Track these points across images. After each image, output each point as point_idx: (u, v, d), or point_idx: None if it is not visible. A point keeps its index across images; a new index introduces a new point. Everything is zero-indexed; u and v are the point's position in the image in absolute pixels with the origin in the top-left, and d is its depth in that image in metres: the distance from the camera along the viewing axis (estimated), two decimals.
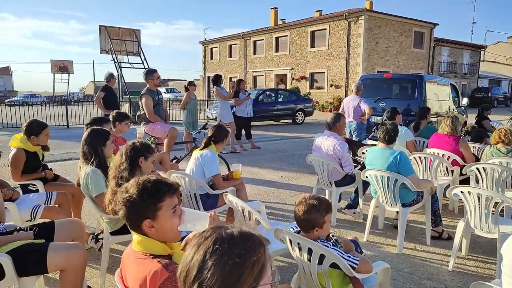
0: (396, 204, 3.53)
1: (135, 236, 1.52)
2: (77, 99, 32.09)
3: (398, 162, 3.45)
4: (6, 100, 28.13)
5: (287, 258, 3.19)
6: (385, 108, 7.04)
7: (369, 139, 6.29)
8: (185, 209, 1.61)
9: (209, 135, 3.69)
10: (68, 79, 37.51)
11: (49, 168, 3.86)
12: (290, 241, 2.14)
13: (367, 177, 3.67)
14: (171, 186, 1.54)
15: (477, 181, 3.98)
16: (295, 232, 2.15)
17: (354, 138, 6.57)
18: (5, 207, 3.01)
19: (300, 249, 2.08)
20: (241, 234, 0.96)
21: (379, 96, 8.22)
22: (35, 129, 3.57)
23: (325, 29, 24.96)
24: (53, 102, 25.42)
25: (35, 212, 3.12)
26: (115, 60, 18.53)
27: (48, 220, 2.76)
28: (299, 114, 15.82)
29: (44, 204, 3.27)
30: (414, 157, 4.41)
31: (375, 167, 3.59)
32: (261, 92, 15.62)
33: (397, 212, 3.66)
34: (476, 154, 4.88)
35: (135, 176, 2.42)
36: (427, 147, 4.92)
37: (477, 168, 3.89)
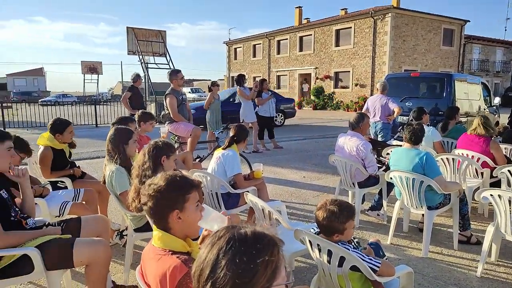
0: (421, 206, 3.43)
1: (155, 232, 1.56)
2: (105, 99, 33.11)
3: (424, 163, 3.35)
4: (40, 100, 29.31)
5: (308, 259, 3.16)
6: (411, 107, 6.86)
7: (395, 139, 6.15)
8: (204, 206, 1.65)
9: (231, 135, 3.71)
10: (98, 79, 38.84)
11: (77, 166, 3.99)
12: (310, 242, 2.12)
13: (391, 178, 3.59)
14: (195, 181, 1.63)
15: (508, 184, 3.81)
16: (315, 233, 2.13)
17: (379, 139, 6.44)
18: (36, 203, 3.14)
19: (320, 250, 2.06)
20: (254, 234, 0.96)
21: (405, 96, 8.02)
22: (59, 127, 3.69)
23: (350, 27, 24.58)
24: (83, 102, 26.28)
25: (64, 208, 3.23)
26: (142, 61, 18.94)
27: (75, 216, 2.85)
28: (278, 115, 14.39)
29: (72, 201, 3.39)
30: (442, 159, 4.27)
31: (399, 168, 3.51)
32: (233, 91, 13.52)
33: (423, 214, 3.56)
34: (508, 156, 4.67)
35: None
36: (455, 148, 4.75)
37: (508, 171, 3.72)
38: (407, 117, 6.40)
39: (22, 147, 3.43)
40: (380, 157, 5.00)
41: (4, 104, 14.56)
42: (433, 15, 24.35)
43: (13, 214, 2.24)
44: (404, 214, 3.90)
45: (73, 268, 2.60)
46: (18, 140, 3.36)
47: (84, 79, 38.73)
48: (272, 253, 0.93)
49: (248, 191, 3.18)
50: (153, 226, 1.59)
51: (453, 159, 4.21)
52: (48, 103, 26.78)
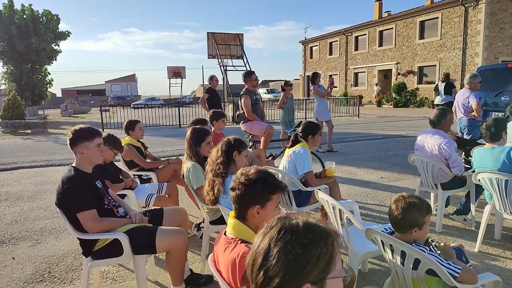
0: None
1: (230, 220, 1.65)
2: (188, 101, 35.31)
3: None
4: (132, 104, 32.31)
5: (382, 261, 3.03)
6: (508, 102, 6.13)
7: None
8: None
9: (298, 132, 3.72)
10: (181, 83, 41.68)
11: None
12: (382, 242, 2.03)
13: (479, 180, 3.26)
14: (282, 184, 1.69)
15: None
16: (387, 233, 2.04)
17: (465, 136, 5.87)
18: (125, 194, 3.51)
19: (392, 251, 1.97)
20: (306, 224, 0.96)
21: (501, 89, 7.18)
22: (131, 124, 4.31)
23: (437, 17, 22.72)
24: (169, 105, 28.32)
25: (149, 200, 3.56)
26: (221, 64, 19.79)
27: (158, 207, 3.12)
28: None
29: (157, 194, 3.71)
30: None
31: (486, 169, 3.17)
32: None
33: None
34: None
35: (230, 169, 2.60)
36: None
37: None
38: (502, 113, 5.74)
39: (116, 145, 3.83)
40: (469, 157, 4.56)
41: (103, 108, 16.36)
42: None
43: (106, 203, 2.53)
44: (496, 220, 3.51)
45: (156, 255, 2.85)
46: (112, 138, 3.75)
47: (169, 83, 41.79)
48: (326, 244, 0.92)
49: (319, 189, 3.15)
50: (229, 215, 1.69)
51: None
52: (138, 106, 29.37)
